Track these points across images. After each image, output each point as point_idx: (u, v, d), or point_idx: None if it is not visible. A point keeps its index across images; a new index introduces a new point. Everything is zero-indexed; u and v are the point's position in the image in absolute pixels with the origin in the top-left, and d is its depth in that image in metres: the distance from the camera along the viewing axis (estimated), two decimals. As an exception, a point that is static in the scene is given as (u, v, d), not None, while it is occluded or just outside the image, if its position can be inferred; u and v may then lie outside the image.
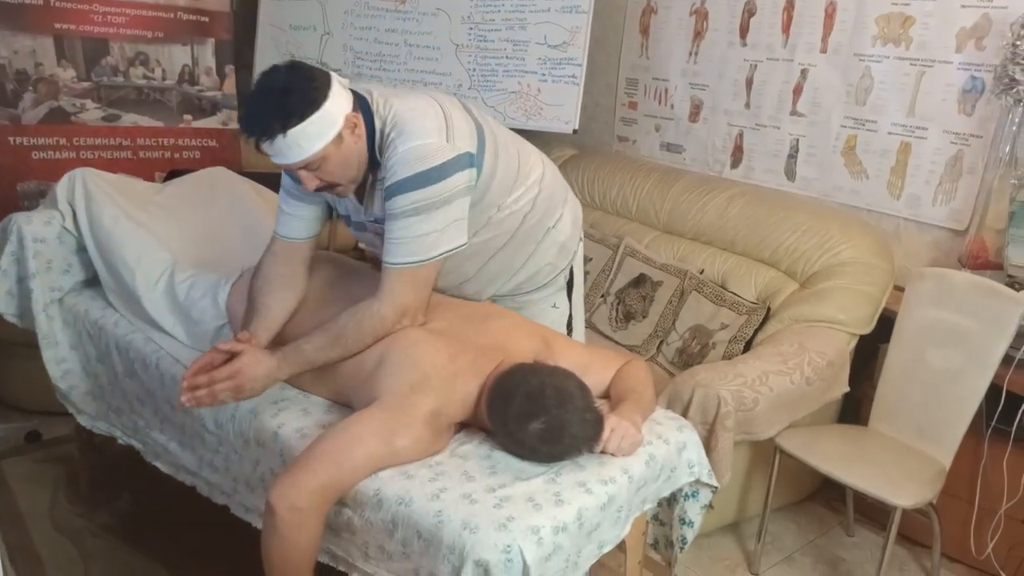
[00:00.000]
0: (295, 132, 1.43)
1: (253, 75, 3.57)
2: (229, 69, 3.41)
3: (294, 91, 1.44)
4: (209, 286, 1.92)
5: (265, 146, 1.46)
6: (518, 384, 1.45)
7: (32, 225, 2.12)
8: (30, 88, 2.99)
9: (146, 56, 3.23)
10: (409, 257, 1.54)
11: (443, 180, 1.52)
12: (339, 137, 1.49)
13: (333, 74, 1.51)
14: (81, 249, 2.18)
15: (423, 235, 1.53)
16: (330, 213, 1.78)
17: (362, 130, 1.54)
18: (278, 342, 1.67)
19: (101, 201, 2.12)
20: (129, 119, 3.22)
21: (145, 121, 3.25)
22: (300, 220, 1.71)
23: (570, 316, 2.06)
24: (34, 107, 3.01)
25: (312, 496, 1.36)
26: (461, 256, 1.68)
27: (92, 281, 2.21)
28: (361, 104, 1.55)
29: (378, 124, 1.56)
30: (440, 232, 1.55)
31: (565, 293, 2.04)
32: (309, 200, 1.69)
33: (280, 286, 1.71)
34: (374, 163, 1.58)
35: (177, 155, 3.31)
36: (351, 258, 2.13)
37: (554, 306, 2.01)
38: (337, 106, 1.48)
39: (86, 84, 3.11)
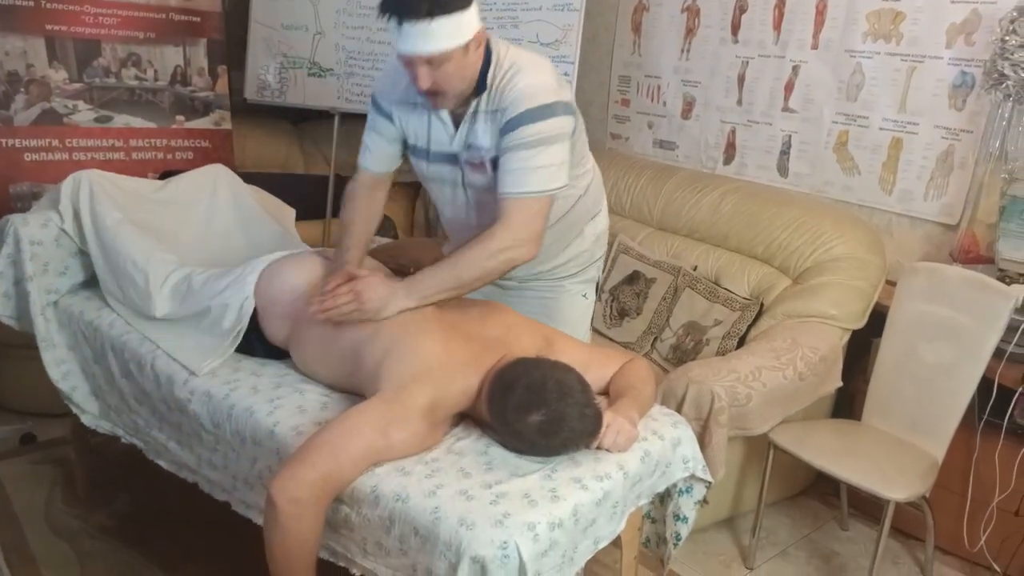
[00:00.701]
0: (440, 21, 1.51)
1: (245, 75, 3.57)
2: (221, 69, 3.40)
3: None
4: (228, 272, 1.93)
5: (407, 25, 1.51)
6: (519, 376, 1.46)
7: (29, 227, 2.12)
8: (22, 90, 2.98)
9: (138, 57, 3.22)
10: (528, 187, 1.63)
11: (556, 117, 1.63)
12: (467, 46, 1.57)
13: None
14: (78, 252, 2.18)
15: (540, 167, 1.62)
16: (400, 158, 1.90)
17: (482, 52, 1.64)
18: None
19: (106, 203, 2.13)
20: (121, 120, 3.21)
21: (138, 122, 3.24)
22: (382, 155, 1.86)
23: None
24: (26, 109, 3.00)
25: (311, 488, 1.37)
26: None
27: (87, 283, 2.22)
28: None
29: (494, 59, 1.66)
30: (554, 168, 1.65)
31: (595, 286, 2.11)
32: (391, 139, 1.83)
33: (364, 213, 1.89)
34: (480, 91, 1.67)
35: (170, 156, 3.31)
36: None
37: (584, 296, 2.08)
38: (475, 18, 1.58)
39: (78, 85, 3.10)
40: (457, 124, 1.73)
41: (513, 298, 1.99)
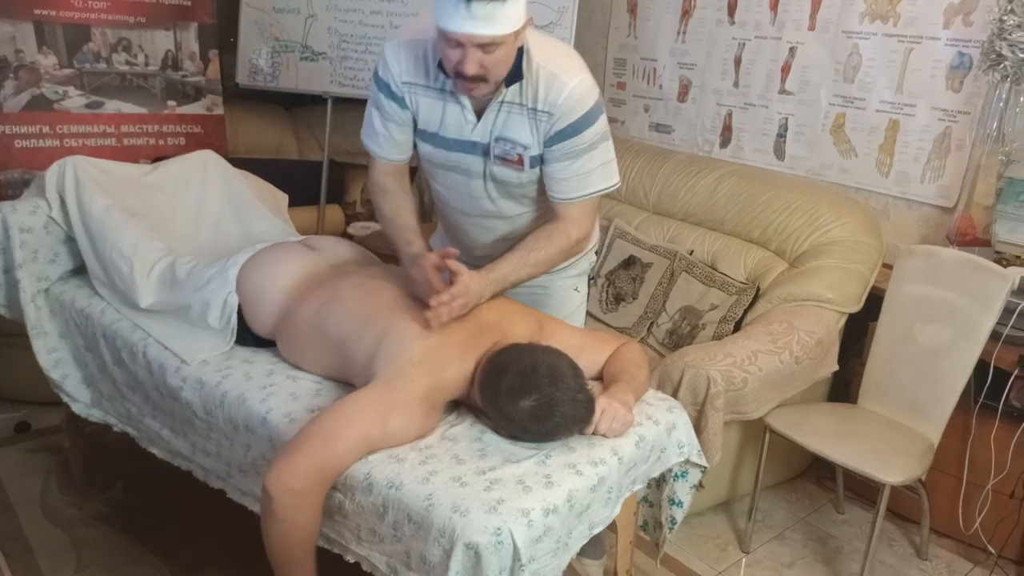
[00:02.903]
0: (509, 4, 1.45)
1: (236, 60, 3.54)
2: (213, 54, 3.37)
3: None
4: (212, 262, 1.92)
5: (476, 6, 1.42)
6: (511, 361, 1.45)
7: (18, 215, 2.10)
8: (11, 76, 2.95)
9: (128, 42, 3.19)
10: (588, 190, 1.68)
11: (602, 115, 1.64)
12: (518, 32, 1.51)
13: None
14: (67, 239, 2.17)
15: (598, 167, 1.66)
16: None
17: (523, 38, 1.56)
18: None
19: (92, 190, 2.11)
20: (112, 106, 3.18)
21: (129, 108, 3.21)
22: (401, 142, 1.76)
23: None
24: (15, 95, 2.97)
25: (308, 476, 1.36)
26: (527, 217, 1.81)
27: (78, 270, 2.20)
28: None
29: (524, 47, 1.58)
30: (610, 164, 1.69)
31: (586, 278, 2.06)
32: (405, 123, 1.73)
33: (406, 201, 1.80)
34: (512, 80, 1.60)
35: (162, 142, 3.28)
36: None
37: (576, 289, 2.03)
38: (524, 4, 1.52)
39: (68, 71, 3.07)
40: (479, 113, 1.65)
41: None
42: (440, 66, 1.59)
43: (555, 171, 1.66)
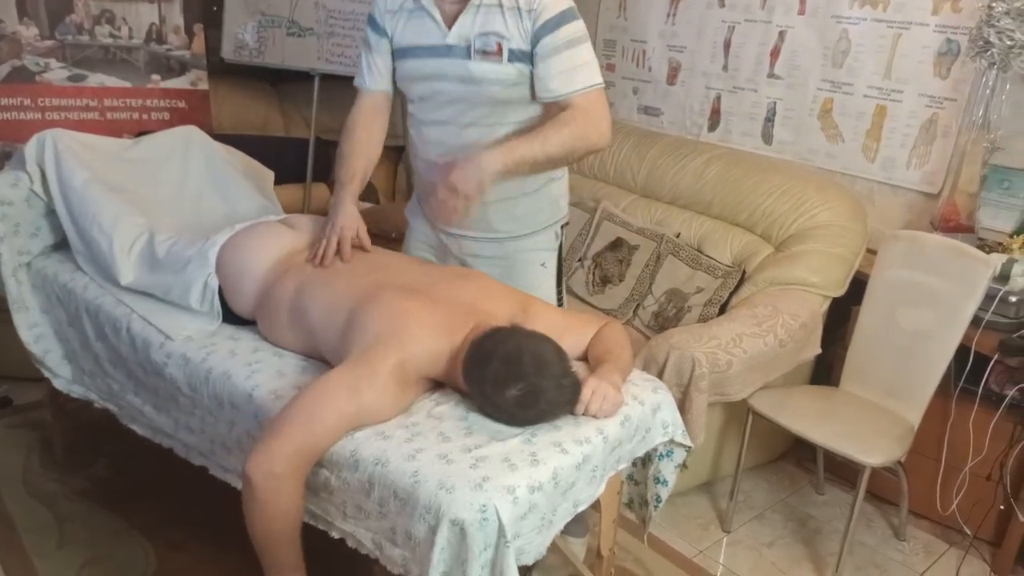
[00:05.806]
0: None
1: (222, 34, 3.49)
2: (198, 28, 3.32)
3: None
4: (192, 241, 1.90)
5: None
6: (494, 348, 1.44)
7: (-2, 187, 2.08)
8: (-9, 46, 2.90)
9: (112, 14, 3.13)
10: (588, 82, 1.69)
11: (578, 19, 1.71)
12: None
13: None
14: (50, 212, 2.14)
15: (586, 63, 1.69)
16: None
17: None
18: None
19: (72, 164, 2.08)
20: (95, 79, 3.13)
21: (112, 81, 3.16)
22: (383, 71, 1.86)
23: (560, 295, 2.05)
24: (-4, 66, 2.92)
25: (288, 460, 1.35)
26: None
27: (60, 244, 2.18)
28: None
29: None
30: (594, 64, 1.71)
31: (556, 255, 2.00)
32: (387, 52, 1.84)
33: (364, 147, 1.89)
34: None
35: (146, 116, 3.24)
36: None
37: (543, 265, 1.97)
38: None
39: (50, 43, 3.02)
40: (450, 22, 1.71)
41: (468, 266, 1.93)
42: None
43: (544, 68, 1.69)
